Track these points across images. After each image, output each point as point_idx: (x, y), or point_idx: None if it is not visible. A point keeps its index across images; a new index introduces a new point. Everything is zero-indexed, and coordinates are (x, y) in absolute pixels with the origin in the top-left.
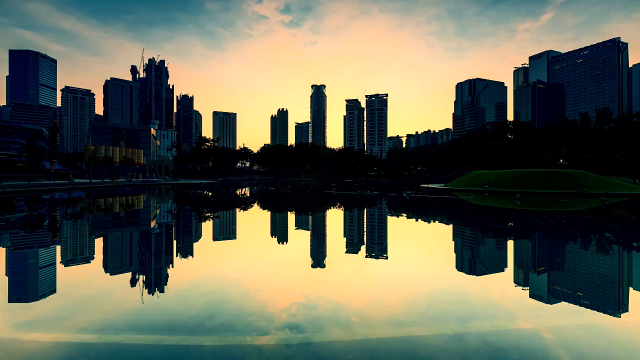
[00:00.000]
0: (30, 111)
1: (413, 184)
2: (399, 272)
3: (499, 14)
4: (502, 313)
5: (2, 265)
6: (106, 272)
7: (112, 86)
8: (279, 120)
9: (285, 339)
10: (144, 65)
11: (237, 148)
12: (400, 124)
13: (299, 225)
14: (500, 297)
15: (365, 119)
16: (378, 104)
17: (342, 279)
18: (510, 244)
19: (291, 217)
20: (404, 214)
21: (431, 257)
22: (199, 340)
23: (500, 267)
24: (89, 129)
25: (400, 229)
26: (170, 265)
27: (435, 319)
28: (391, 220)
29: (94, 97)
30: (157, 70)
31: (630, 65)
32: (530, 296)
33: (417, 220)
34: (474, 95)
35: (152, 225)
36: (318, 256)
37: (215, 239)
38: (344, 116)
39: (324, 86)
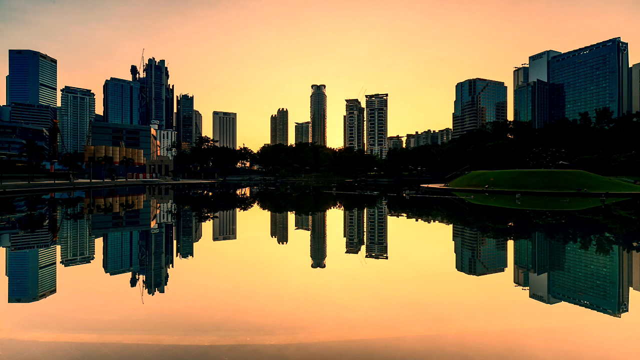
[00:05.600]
0: (30, 111)
1: (413, 184)
2: (399, 273)
3: (499, 13)
4: (502, 313)
5: (2, 265)
6: (106, 272)
7: (112, 86)
8: (279, 120)
9: (285, 338)
10: (144, 65)
11: (237, 148)
12: (400, 124)
13: (299, 225)
14: (500, 297)
15: (365, 119)
16: (378, 103)
17: (342, 279)
18: (511, 244)
19: (291, 217)
20: (404, 214)
21: (431, 258)
22: (198, 341)
23: (501, 267)
24: (89, 129)
25: (401, 229)
26: (170, 265)
27: (436, 319)
28: (391, 221)
29: (94, 97)
30: (157, 70)
31: (630, 65)
32: (531, 296)
33: (417, 220)
34: (474, 95)
35: (152, 226)
36: (318, 256)
37: (215, 239)
38: (344, 116)
39: (324, 86)
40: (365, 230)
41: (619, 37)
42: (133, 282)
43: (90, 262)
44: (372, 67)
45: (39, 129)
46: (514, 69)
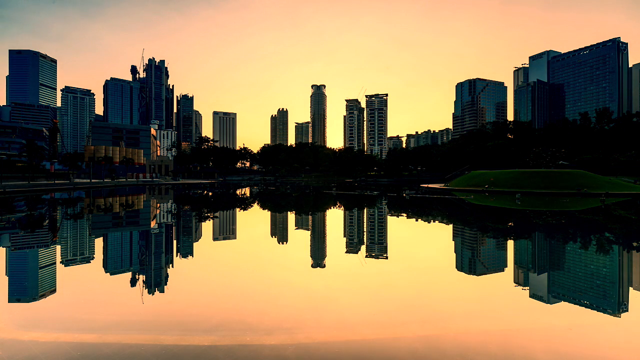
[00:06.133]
0: (30, 111)
1: (413, 183)
2: (399, 273)
3: (499, 13)
4: (502, 313)
5: (2, 265)
6: (106, 272)
7: (112, 86)
8: (279, 120)
9: (285, 339)
10: (144, 65)
11: (237, 148)
12: (400, 124)
13: (299, 225)
14: (500, 297)
15: (365, 119)
16: (378, 103)
17: (342, 279)
18: (511, 244)
19: (291, 217)
20: (404, 214)
21: (431, 258)
22: (198, 341)
23: (501, 267)
24: (89, 129)
25: (401, 229)
26: (170, 265)
27: (436, 319)
28: (391, 221)
29: (94, 97)
30: (157, 70)
31: (630, 65)
32: (531, 296)
33: (417, 221)
34: (474, 95)
35: (152, 226)
36: (318, 256)
37: (215, 239)
38: (344, 116)
39: (324, 86)
40: (365, 230)
41: (619, 37)
42: (133, 282)
43: (90, 262)
44: (372, 67)
45: (39, 129)
46: (514, 69)
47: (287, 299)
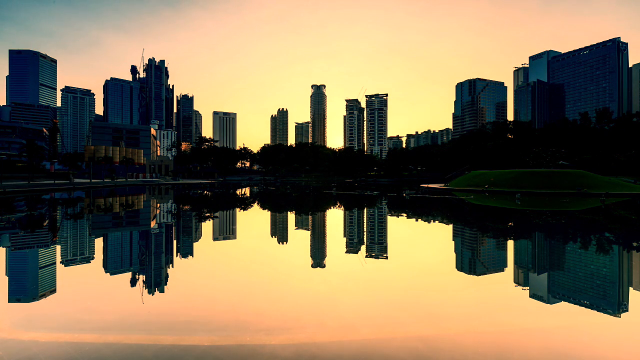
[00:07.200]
0: (30, 111)
1: (413, 183)
2: (399, 273)
3: (499, 13)
4: (502, 313)
5: (2, 265)
6: (106, 272)
7: (112, 86)
8: (279, 120)
9: (285, 339)
10: (144, 65)
11: (237, 148)
12: (400, 124)
13: (299, 225)
14: (500, 297)
15: (365, 119)
16: (378, 103)
17: (342, 279)
18: (511, 244)
19: (291, 217)
20: (404, 214)
21: (431, 258)
22: (198, 341)
23: (501, 267)
24: (89, 129)
25: (400, 229)
26: (170, 265)
27: (436, 319)
28: (391, 221)
29: (94, 97)
30: (157, 70)
31: (630, 65)
32: (531, 296)
33: (417, 221)
34: (474, 95)
35: (152, 226)
36: (318, 256)
37: (215, 239)
38: (344, 116)
39: (324, 86)
40: (365, 230)
41: (619, 37)
42: (133, 282)
43: (90, 262)
44: (372, 67)
45: (39, 129)
46: (514, 69)
47: (287, 299)
